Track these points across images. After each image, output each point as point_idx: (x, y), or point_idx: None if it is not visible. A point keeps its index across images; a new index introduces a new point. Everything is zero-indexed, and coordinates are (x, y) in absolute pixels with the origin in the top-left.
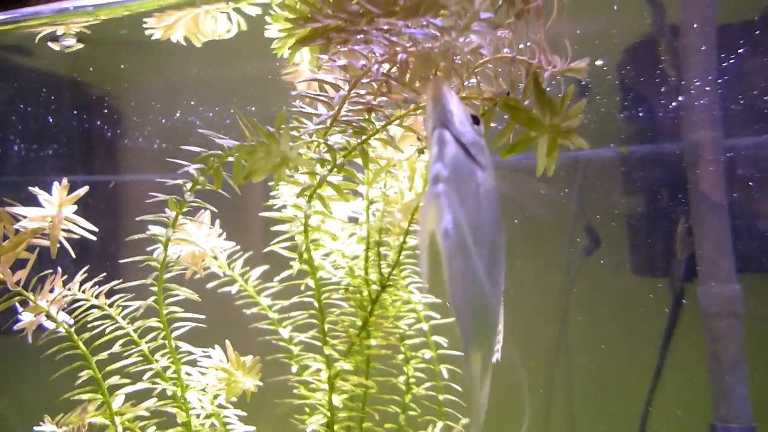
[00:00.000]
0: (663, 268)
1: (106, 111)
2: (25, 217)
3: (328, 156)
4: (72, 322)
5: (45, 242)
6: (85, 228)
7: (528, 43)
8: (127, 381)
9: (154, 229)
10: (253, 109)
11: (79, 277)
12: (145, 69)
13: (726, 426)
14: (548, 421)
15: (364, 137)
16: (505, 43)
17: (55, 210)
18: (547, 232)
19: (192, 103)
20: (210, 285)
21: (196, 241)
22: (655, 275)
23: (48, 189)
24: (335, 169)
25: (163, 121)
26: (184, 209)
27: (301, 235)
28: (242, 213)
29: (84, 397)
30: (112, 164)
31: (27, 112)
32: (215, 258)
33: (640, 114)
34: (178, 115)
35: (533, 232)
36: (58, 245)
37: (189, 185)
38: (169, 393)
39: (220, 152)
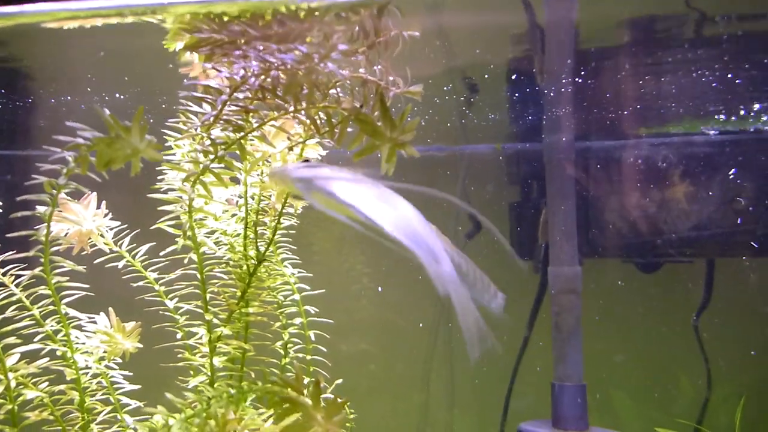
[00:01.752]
0: (532, 253)
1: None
2: None
3: (210, 148)
4: None
5: None
6: None
7: (379, 66)
8: (20, 341)
9: (41, 208)
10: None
11: None
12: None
13: (561, 384)
14: (428, 386)
15: (242, 134)
16: (361, 64)
17: None
18: (433, 218)
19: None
20: (97, 261)
21: (80, 221)
22: (527, 259)
23: None
24: (216, 160)
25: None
26: (66, 190)
27: (185, 215)
28: (133, 195)
29: None
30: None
31: None
32: (102, 236)
33: (515, 115)
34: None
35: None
36: None
37: (65, 170)
38: (58, 353)
39: (88, 142)
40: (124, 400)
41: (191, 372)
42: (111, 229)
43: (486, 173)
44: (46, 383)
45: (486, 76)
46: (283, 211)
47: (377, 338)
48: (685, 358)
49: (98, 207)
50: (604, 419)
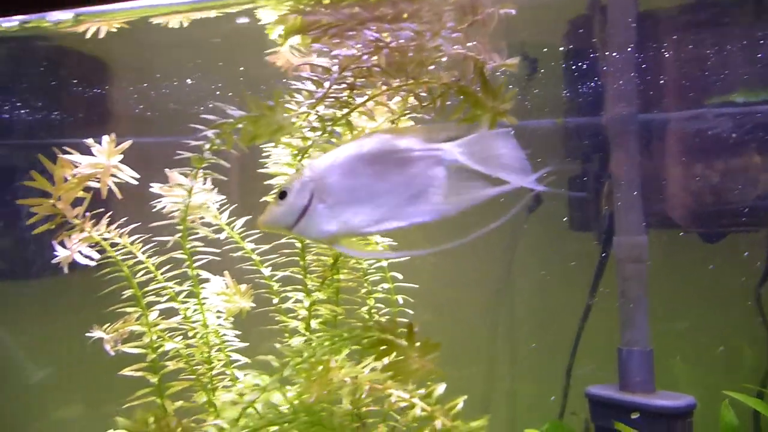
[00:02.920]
0: (593, 224)
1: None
2: (81, 164)
3: (316, 125)
4: (97, 257)
5: (97, 185)
6: (128, 175)
7: (474, 43)
8: (160, 299)
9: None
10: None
11: (106, 219)
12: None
13: (629, 349)
14: (494, 351)
15: (347, 110)
16: (459, 42)
17: (105, 159)
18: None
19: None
20: (202, 234)
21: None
22: (587, 230)
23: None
24: (325, 135)
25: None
26: (205, 165)
27: None
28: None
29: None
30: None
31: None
32: (208, 208)
33: (578, 89)
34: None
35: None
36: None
37: (207, 145)
38: (181, 312)
39: (231, 120)
40: (234, 356)
41: (286, 334)
42: (216, 202)
43: (546, 148)
44: (180, 337)
45: (545, 49)
46: None
47: (440, 309)
48: (748, 328)
49: (204, 183)
50: (665, 386)
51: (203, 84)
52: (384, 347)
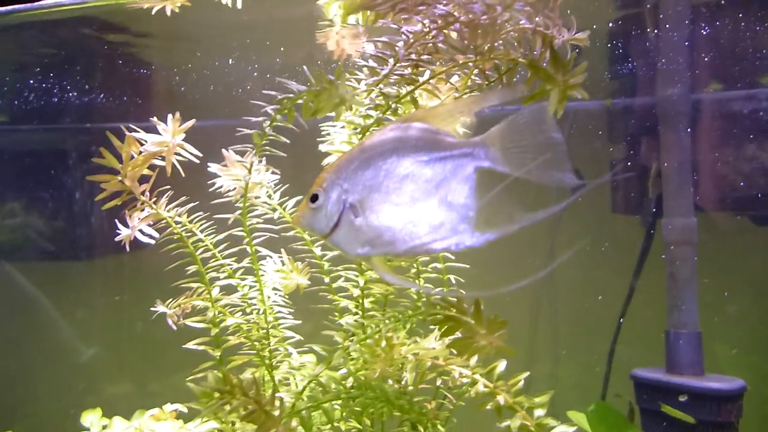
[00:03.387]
0: (637, 206)
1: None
2: (147, 143)
3: (380, 101)
4: (157, 236)
5: (162, 163)
6: (191, 153)
7: (542, 18)
8: (222, 275)
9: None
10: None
11: (165, 199)
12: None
13: (677, 332)
14: (535, 334)
15: (412, 87)
16: (529, 16)
17: (169, 138)
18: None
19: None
20: (256, 213)
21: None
22: (631, 213)
23: None
24: (388, 111)
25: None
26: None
27: None
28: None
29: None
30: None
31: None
32: (262, 186)
33: (624, 70)
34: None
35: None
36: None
37: (267, 122)
38: (239, 288)
39: (291, 95)
40: (289, 333)
41: (336, 313)
42: (270, 182)
43: (591, 129)
44: (239, 313)
45: (594, 26)
46: None
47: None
48: None
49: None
50: (712, 370)
51: (262, 65)
52: (451, 324)
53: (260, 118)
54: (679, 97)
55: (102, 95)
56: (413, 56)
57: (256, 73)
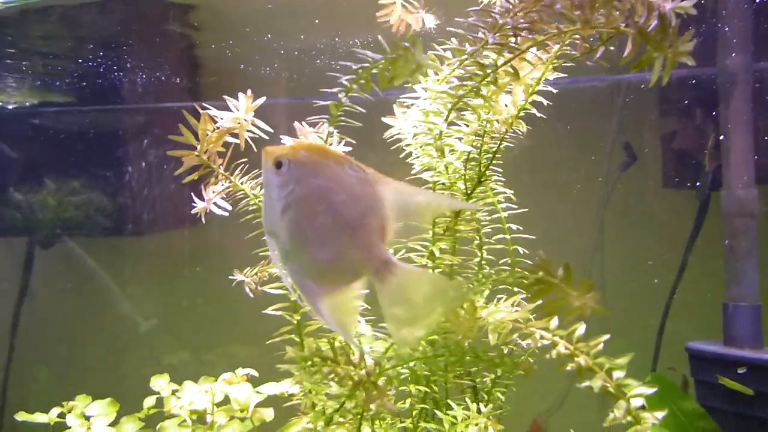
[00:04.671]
0: (692, 180)
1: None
2: (221, 119)
3: (478, 72)
4: (230, 208)
5: (235, 140)
6: (262, 129)
7: None
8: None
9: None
10: None
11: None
12: None
13: (736, 304)
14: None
15: (512, 56)
16: None
17: (242, 114)
18: (589, 147)
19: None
20: None
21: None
22: (684, 187)
23: None
24: (485, 84)
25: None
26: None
27: (437, 139)
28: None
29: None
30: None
31: None
32: None
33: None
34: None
35: (576, 147)
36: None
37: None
38: None
39: (367, 64)
40: None
41: None
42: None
43: (645, 103)
44: None
45: None
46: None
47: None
48: None
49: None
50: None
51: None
52: (541, 287)
53: (333, 90)
54: (741, 65)
55: (159, 74)
56: (510, 25)
57: (305, 56)
